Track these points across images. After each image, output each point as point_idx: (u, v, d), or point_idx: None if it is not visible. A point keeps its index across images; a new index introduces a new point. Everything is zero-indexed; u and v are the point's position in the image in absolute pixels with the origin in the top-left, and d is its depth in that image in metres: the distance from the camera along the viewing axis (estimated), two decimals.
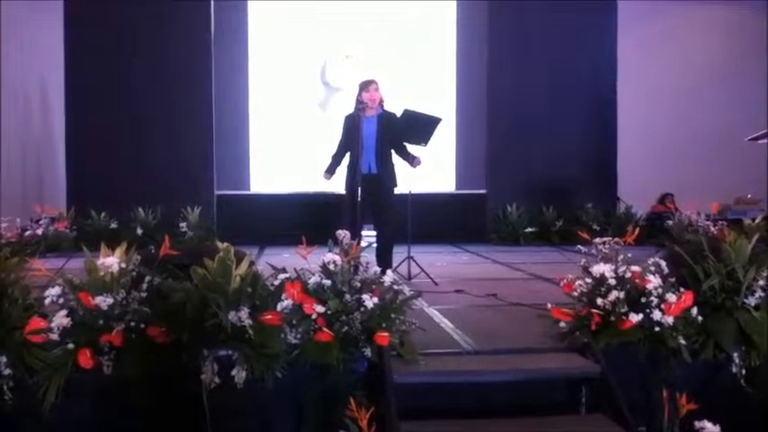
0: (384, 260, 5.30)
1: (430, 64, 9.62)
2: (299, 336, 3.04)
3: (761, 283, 3.33)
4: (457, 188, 9.73)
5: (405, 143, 5.57)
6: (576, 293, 3.46)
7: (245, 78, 9.41)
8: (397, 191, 5.62)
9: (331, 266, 3.20)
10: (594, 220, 8.71)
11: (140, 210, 8.22)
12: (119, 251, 3.10)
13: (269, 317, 2.98)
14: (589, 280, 3.40)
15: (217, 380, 2.88)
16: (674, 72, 10.33)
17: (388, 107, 5.60)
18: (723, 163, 9.84)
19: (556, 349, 3.37)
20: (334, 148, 5.70)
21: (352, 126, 5.42)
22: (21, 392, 2.85)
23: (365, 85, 5.48)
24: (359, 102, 5.43)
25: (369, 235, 5.69)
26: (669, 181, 9.45)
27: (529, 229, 8.79)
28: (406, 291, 3.38)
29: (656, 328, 3.17)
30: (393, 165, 5.58)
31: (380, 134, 5.45)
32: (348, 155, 5.57)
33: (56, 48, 8.56)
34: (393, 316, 3.17)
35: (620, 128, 9.44)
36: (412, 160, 5.59)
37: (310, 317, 3.06)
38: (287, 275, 3.25)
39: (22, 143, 8.99)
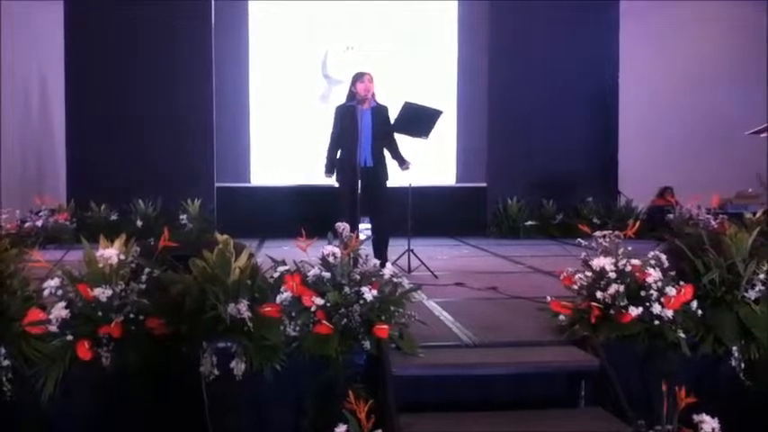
0: (381, 252, 5.28)
1: (431, 56, 9.58)
2: (298, 328, 3.04)
3: (761, 276, 3.33)
4: (457, 181, 9.72)
5: (403, 135, 5.54)
6: (575, 287, 3.46)
7: (245, 70, 9.38)
8: (392, 184, 5.59)
9: (330, 259, 3.20)
10: (595, 214, 8.72)
11: (140, 202, 8.23)
12: (118, 243, 3.09)
13: (268, 309, 2.98)
14: (589, 273, 3.40)
15: (216, 372, 2.88)
16: (675, 66, 10.28)
17: (388, 100, 5.58)
18: (724, 157, 9.81)
19: (555, 342, 3.37)
20: (327, 142, 5.56)
21: (347, 118, 5.37)
22: (19, 384, 2.84)
23: (359, 77, 5.42)
24: (353, 93, 5.39)
25: (365, 228, 5.67)
26: (670, 175, 9.41)
27: (529, 223, 8.78)
28: (406, 283, 3.38)
29: (656, 322, 3.17)
30: (385, 158, 5.55)
31: (375, 127, 5.42)
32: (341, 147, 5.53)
33: (56, 40, 8.52)
34: (392, 309, 3.16)
35: (621, 121, 9.42)
36: (402, 163, 5.56)
37: (309, 309, 3.06)
38: (286, 268, 3.25)
39: (21, 135, 8.98)
